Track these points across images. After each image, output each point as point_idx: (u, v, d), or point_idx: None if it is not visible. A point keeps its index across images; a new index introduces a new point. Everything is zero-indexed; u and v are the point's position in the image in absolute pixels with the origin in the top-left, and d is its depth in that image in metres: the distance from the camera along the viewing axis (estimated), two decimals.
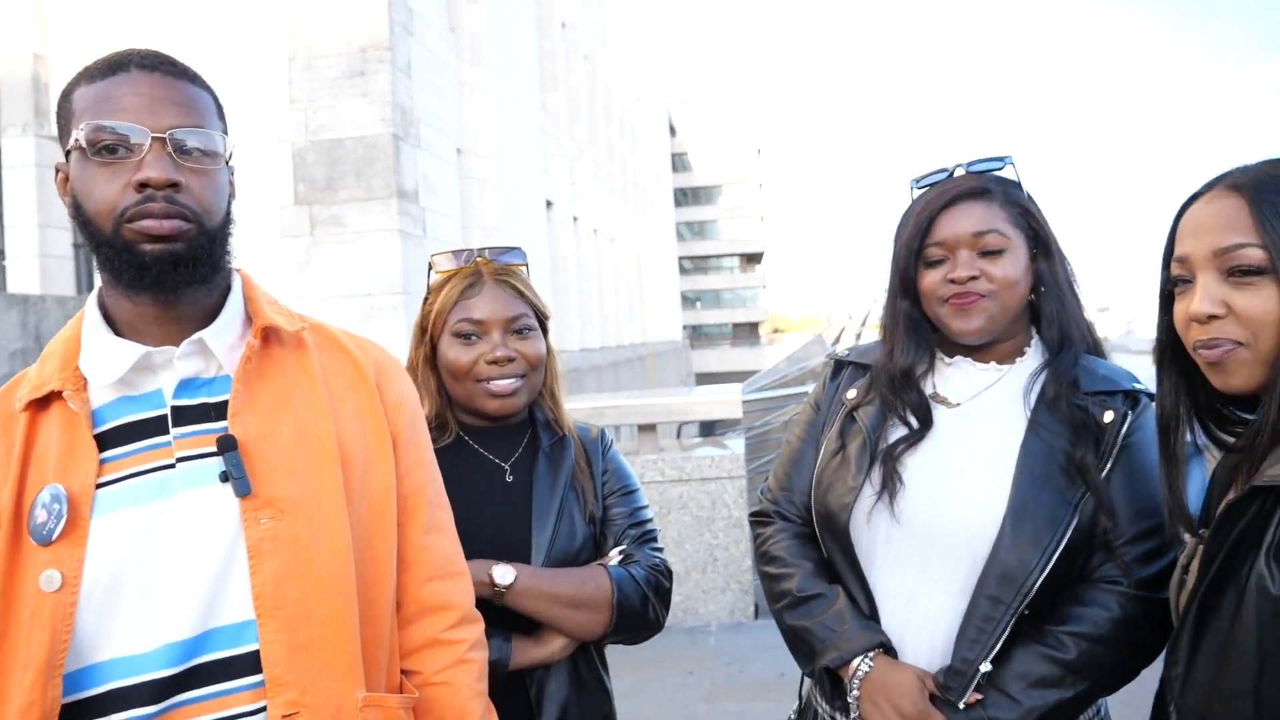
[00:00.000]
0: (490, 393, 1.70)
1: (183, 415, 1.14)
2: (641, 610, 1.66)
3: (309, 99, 9.48)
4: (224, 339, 1.18)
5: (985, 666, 1.40)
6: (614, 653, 1.82)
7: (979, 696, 1.40)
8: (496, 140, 13.90)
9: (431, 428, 1.63)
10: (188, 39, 8.82)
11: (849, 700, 1.48)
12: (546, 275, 17.06)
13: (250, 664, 1.10)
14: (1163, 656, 1.31)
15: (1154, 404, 1.50)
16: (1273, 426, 1.09)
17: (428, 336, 1.77)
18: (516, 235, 14.07)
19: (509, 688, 1.57)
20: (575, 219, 20.94)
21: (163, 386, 1.15)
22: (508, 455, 1.75)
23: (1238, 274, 1.11)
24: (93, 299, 1.20)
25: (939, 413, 1.56)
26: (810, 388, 1.81)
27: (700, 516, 5.53)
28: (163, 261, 1.10)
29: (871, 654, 1.47)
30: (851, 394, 1.64)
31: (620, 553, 1.72)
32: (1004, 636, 1.41)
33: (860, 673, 1.47)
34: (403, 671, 1.29)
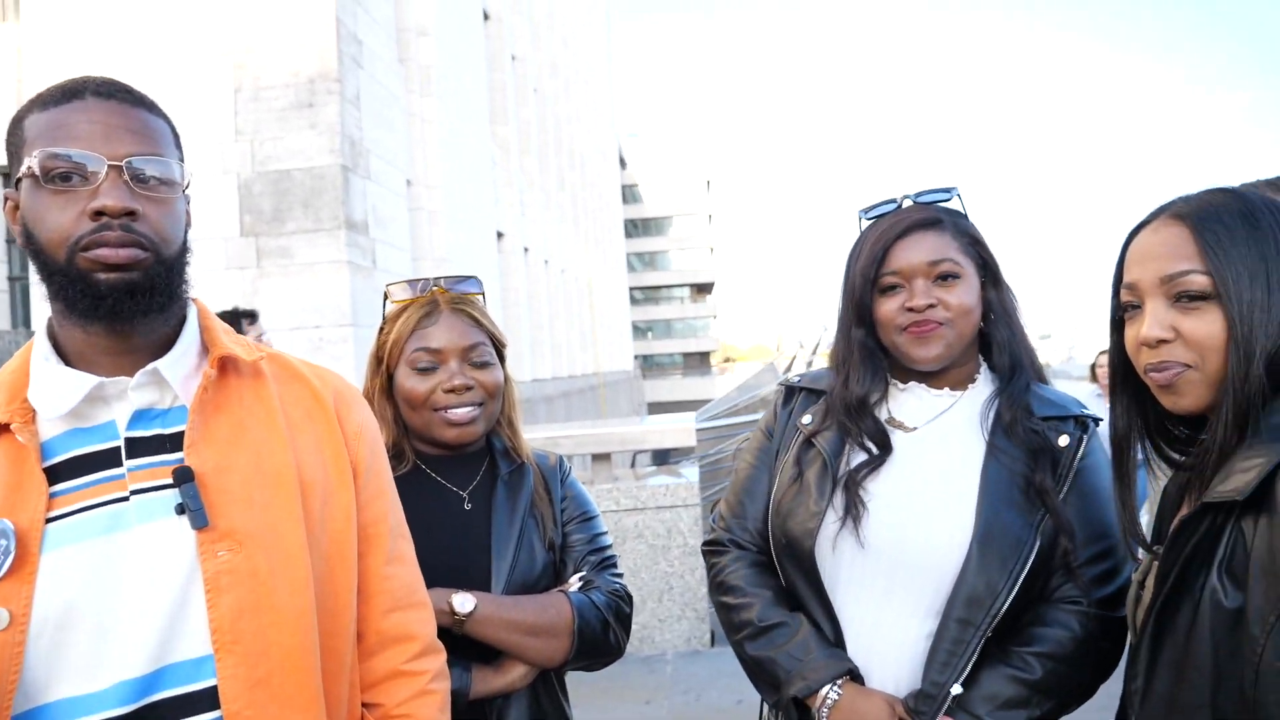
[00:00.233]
0: (448, 421, 1.70)
1: (137, 447, 1.12)
2: (603, 636, 1.66)
3: (255, 130, 9.39)
4: (179, 369, 1.16)
5: (956, 689, 1.42)
6: (571, 683, 1.82)
7: None
8: (446, 172, 13.87)
9: (389, 457, 1.62)
10: (131, 70, 8.70)
11: None
12: (498, 306, 17.00)
13: (208, 700, 1.07)
14: (1119, 672, 1.35)
15: (1099, 429, 1.56)
16: (1220, 445, 1.12)
17: (384, 366, 1.76)
18: (467, 266, 14.01)
19: (469, 717, 1.56)
20: (526, 250, 20.94)
21: (116, 418, 1.13)
22: (466, 483, 1.74)
23: (1184, 299, 1.15)
24: (42, 330, 1.18)
25: (896, 437, 1.57)
26: (763, 415, 1.81)
27: (655, 545, 5.52)
28: (119, 291, 1.09)
29: (839, 682, 1.47)
30: (807, 419, 1.64)
31: (580, 579, 1.72)
32: (974, 659, 1.43)
33: (829, 701, 1.46)
34: (364, 704, 1.27)
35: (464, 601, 1.56)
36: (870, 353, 1.61)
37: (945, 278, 1.53)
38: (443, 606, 1.54)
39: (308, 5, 9.39)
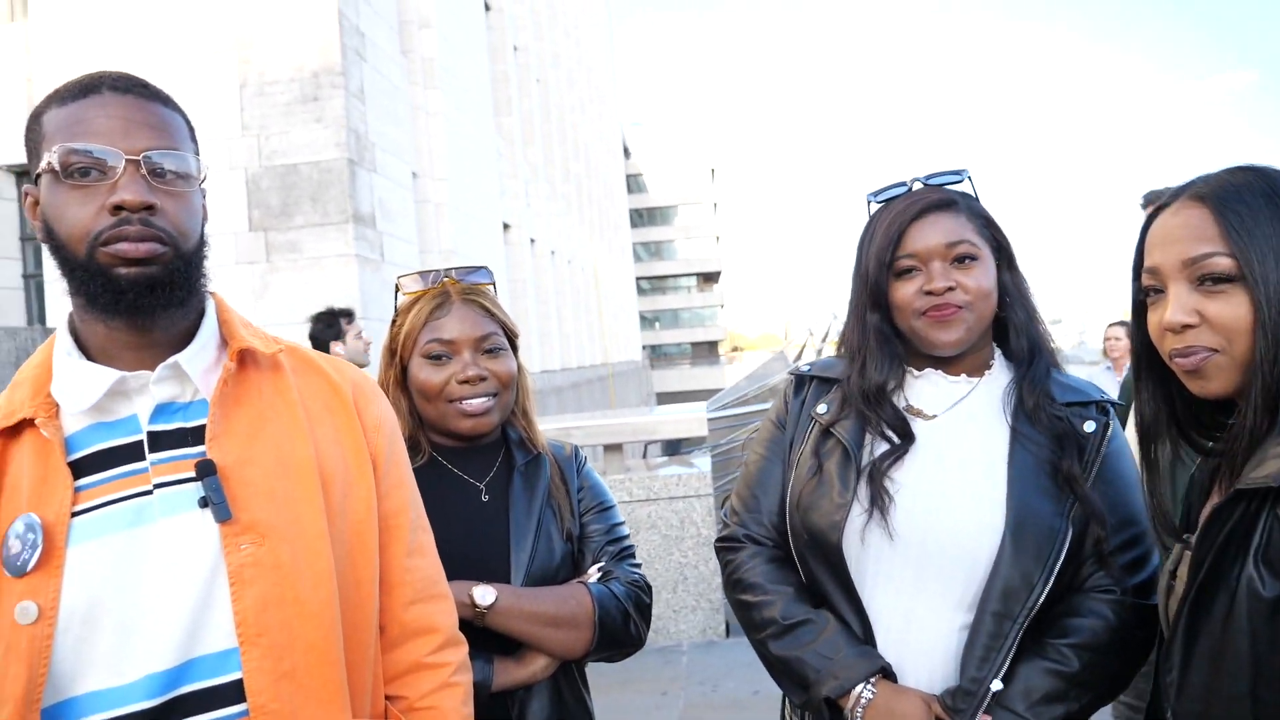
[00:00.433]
0: (463, 412, 1.69)
1: (159, 441, 1.12)
2: (624, 627, 1.66)
3: (261, 125, 9.39)
4: (200, 363, 1.16)
5: (996, 685, 1.38)
6: (589, 673, 1.81)
7: (989, 718, 1.37)
8: (452, 164, 13.87)
9: None
10: (137, 66, 8.68)
11: None
12: (505, 297, 16.82)
13: (234, 693, 1.08)
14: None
15: (1117, 414, 1.54)
16: (1251, 430, 1.10)
17: (397, 358, 1.76)
18: (474, 258, 14.02)
19: (491, 710, 1.55)
20: (533, 241, 20.93)
21: (138, 412, 1.13)
22: (482, 475, 1.74)
23: (1208, 282, 1.13)
24: (64, 324, 1.18)
25: (917, 425, 1.53)
26: (772, 405, 1.76)
27: (669, 535, 5.52)
28: (139, 285, 1.09)
29: (873, 680, 1.42)
30: (822, 409, 1.59)
31: (599, 570, 1.71)
32: (1012, 653, 1.39)
33: (864, 701, 1.41)
34: (388, 697, 1.27)
35: (485, 594, 1.56)
36: (886, 338, 1.56)
37: (963, 259, 1.50)
38: (464, 599, 1.53)
39: None
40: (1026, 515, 1.41)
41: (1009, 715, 1.37)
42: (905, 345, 1.58)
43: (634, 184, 65.85)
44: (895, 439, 1.51)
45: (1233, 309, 1.11)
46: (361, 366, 4.93)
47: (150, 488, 1.09)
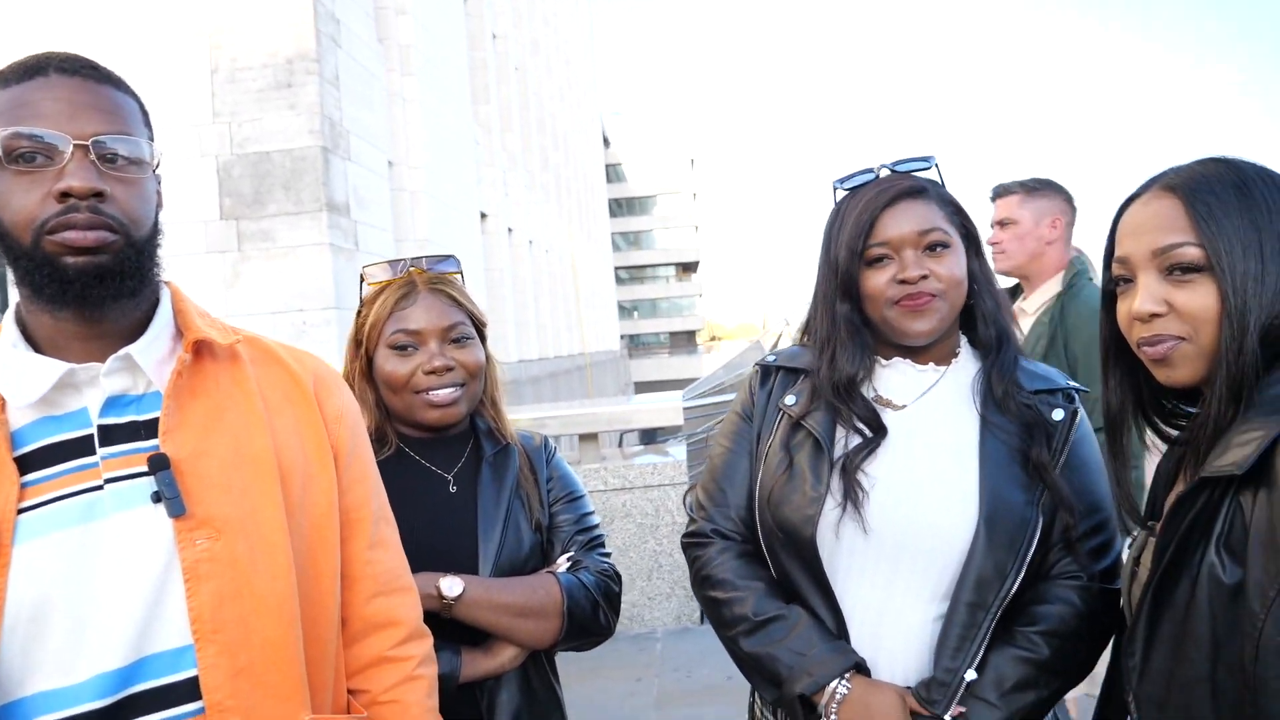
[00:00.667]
0: (429, 403, 1.67)
1: (110, 434, 1.09)
2: (592, 616, 1.65)
3: (233, 111, 9.26)
4: (153, 354, 1.13)
5: (970, 675, 1.37)
6: (561, 662, 1.81)
7: (963, 710, 1.37)
8: (428, 152, 13.75)
9: (371, 441, 1.60)
10: (104, 51, 8.55)
11: None
12: (482, 287, 16.91)
13: (189, 691, 1.06)
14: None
15: (1083, 401, 1.55)
16: (1215, 419, 1.11)
17: (363, 349, 1.74)
18: (451, 247, 13.86)
19: (459, 701, 1.55)
20: (510, 230, 20.82)
21: (88, 405, 1.10)
22: (450, 466, 1.72)
23: (1177, 272, 1.14)
24: (10, 315, 1.15)
25: (887, 416, 1.52)
26: (737, 396, 1.73)
27: (644, 524, 5.52)
28: (87, 275, 1.06)
29: (847, 675, 1.41)
30: (790, 400, 1.56)
31: (568, 559, 1.70)
32: (985, 642, 1.39)
33: (838, 696, 1.40)
34: (350, 690, 1.26)
35: (452, 585, 1.54)
36: (856, 329, 1.54)
37: (934, 248, 1.48)
38: (430, 590, 1.52)
39: None
40: (999, 506, 1.41)
41: (981, 705, 1.37)
42: (874, 334, 1.56)
43: (613, 173, 65.68)
44: (867, 432, 1.49)
45: (1200, 298, 1.12)
46: None
47: (101, 483, 1.07)
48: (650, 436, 9.14)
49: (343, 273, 9.27)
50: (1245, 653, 1.01)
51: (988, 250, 1.69)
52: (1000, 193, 3.19)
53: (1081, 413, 1.52)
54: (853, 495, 1.44)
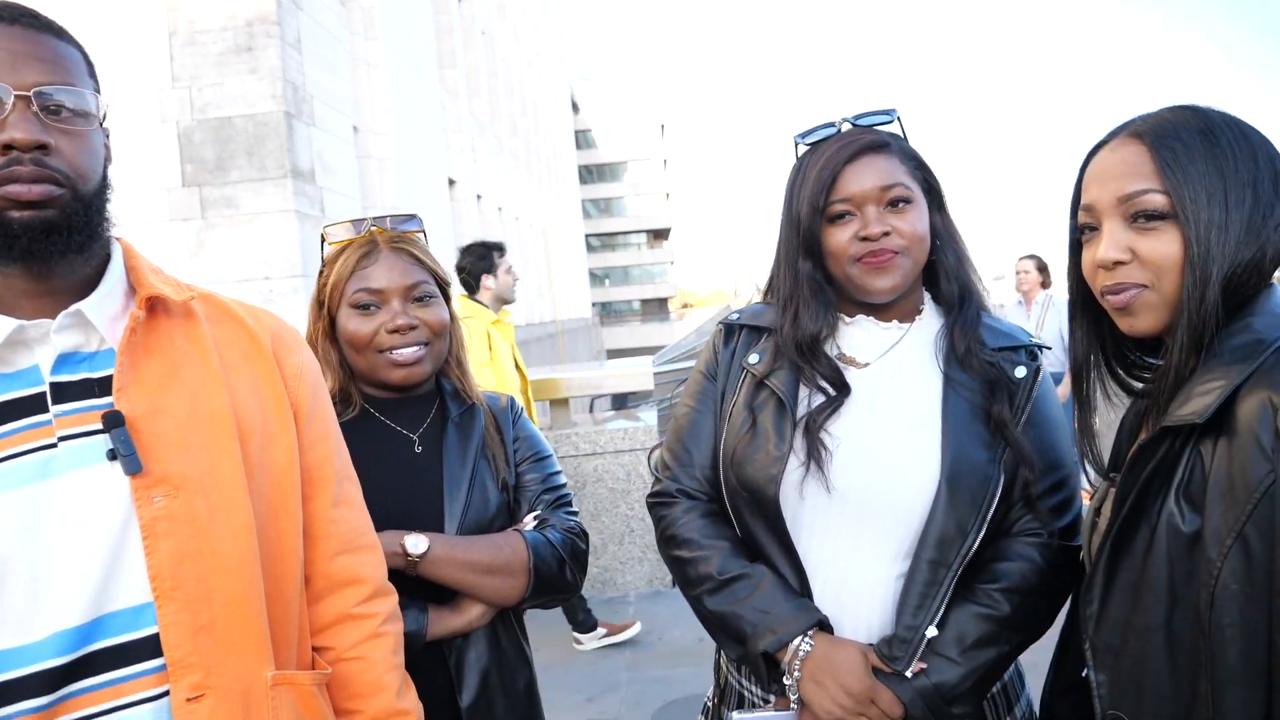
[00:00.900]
0: (393, 362, 1.66)
1: (63, 392, 1.07)
2: (559, 573, 1.66)
3: (193, 76, 9.06)
4: (105, 310, 1.11)
5: (931, 631, 1.38)
6: (533, 623, 1.82)
7: (924, 666, 1.38)
8: (394, 117, 13.55)
9: (335, 402, 1.59)
10: (56, 12, 8.32)
11: (787, 683, 1.42)
12: (451, 254, 16.77)
13: (149, 648, 1.05)
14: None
15: (1045, 358, 1.55)
16: (1176, 368, 1.11)
17: (325, 310, 1.72)
18: (419, 214, 13.73)
19: (428, 659, 1.55)
20: (479, 197, 20.63)
21: (39, 362, 1.08)
22: (416, 426, 1.71)
23: (1141, 219, 1.13)
24: None
25: (850, 374, 1.51)
26: (700, 356, 1.72)
27: (615, 489, 5.54)
28: (33, 229, 1.03)
29: (810, 633, 1.41)
30: (754, 359, 1.56)
31: (535, 518, 1.71)
32: (946, 599, 1.40)
33: (801, 653, 1.40)
34: (315, 648, 1.25)
35: (417, 543, 1.54)
36: (819, 287, 1.53)
37: (897, 203, 1.47)
38: (395, 548, 1.52)
39: None
40: (961, 464, 1.41)
41: (942, 661, 1.38)
42: (837, 291, 1.55)
43: (583, 140, 65.14)
44: (831, 390, 1.49)
45: (1164, 246, 1.11)
46: (508, 303, 4.82)
47: (55, 440, 1.05)
48: (621, 402, 9.15)
49: (309, 240, 9.15)
50: (1201, 600, 1.02)
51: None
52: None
53: (1044, 370, 1.52)
54: (816, 454, 1.44)
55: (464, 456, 1.68)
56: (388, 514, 1.54)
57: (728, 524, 1.56)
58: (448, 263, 1.76)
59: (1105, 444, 1.31)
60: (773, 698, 1.49)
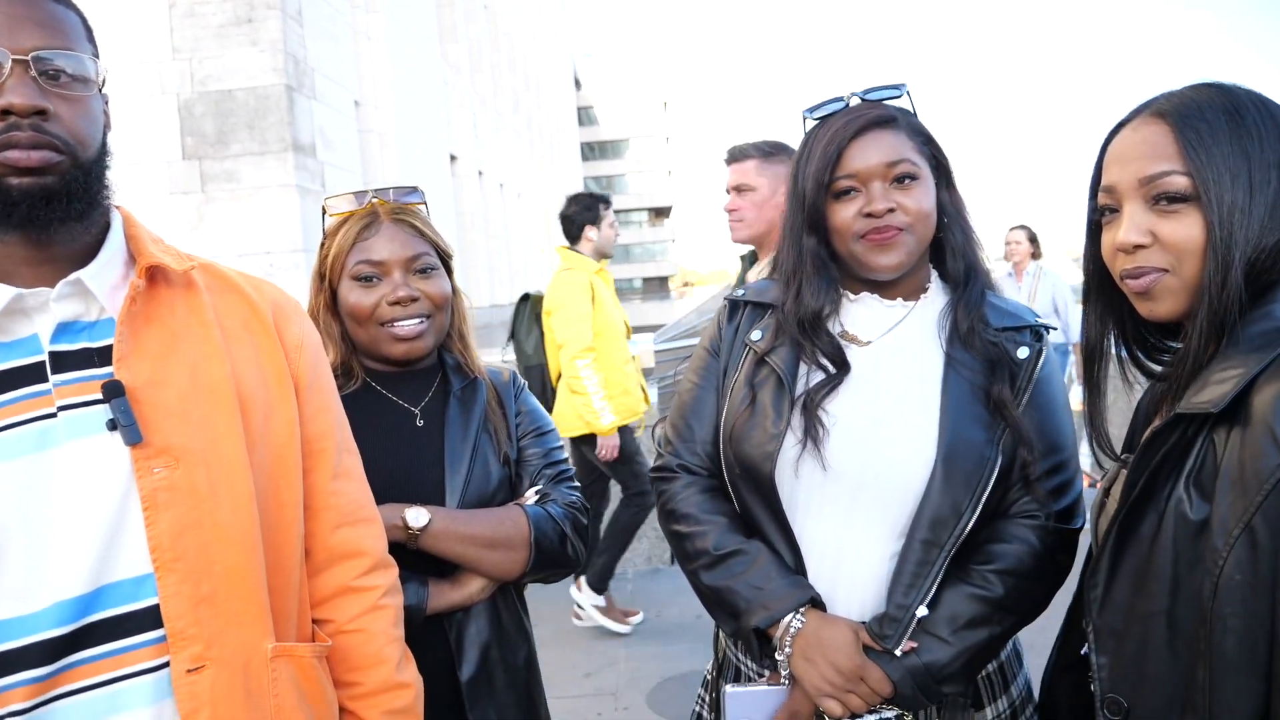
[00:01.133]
0: (395, 336, 1.65)
1: (63, 361, 1.06)
2: (560, 547, 1.66)
3: (193, 48, 8.99)
4: (105, 279, 1.10)
5: (922, 611, 1.38)
6: (533, 601, 1.82)
7: (914, 645, 1.38)
8: (396, 92, 13.46)
9: (337, 375, 1.58)
10: None
11: (779, 658, 1.43)
12: (453, 230, 16.71)
13: (150, 619, 1.05)
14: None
15: (1051, 339, 1.54)
16: (1195, 354, 1.09)
17: (326, 282, 1.71)
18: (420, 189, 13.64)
19: (428, 633, 1.55)
20: (480, 173, 20.54)
21: (39, 331, 1.07)
22: (418, 400, 1.71)
23: (1163, 201, 1.10)
24: None
25: (851, 352, 1.50)
26: (705, 332, 1.71)
27: None
28: (32, 196, 1.02)
29: (802, 610, 1.41)
30: (756, 335, 1.55)
31: (536, 492, 1.70)
32: (939, 579, 1.39)
33: (793, 630, 1.41)
34: (315, 620, 1.25)
35: (418, 516, 1.54)
36: (823, 263, 1.51)
37: (903, 179, 1.45)
38: (396, 521, 1.52)
39: None
40: (958, 444, 1.40)
41: (933, 640, 1.38)
42: (841, 268, 1.54)
43: (585, 116, 64.87)
44: (830, 368, 1.48)
45: (1186, 229, 1.08)
46: (606, 257, 4.76)
47: (54, 410, 1.04)
48: None
49: (310, 215, 9.12)
50: (1204, 589, 1.01)
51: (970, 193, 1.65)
52: (735, 156, 3.03)
53: (1048, 351, 1.51)
54: (813, 433, 1.43)
55: (466, 430, 1.68)
56: (389, 487, 1.54)
57: (727, 500, 1.56)
58: (450, 242, 1.74)
59: (1121, 429, 1.30)
60: (766, 673, 1.50)
